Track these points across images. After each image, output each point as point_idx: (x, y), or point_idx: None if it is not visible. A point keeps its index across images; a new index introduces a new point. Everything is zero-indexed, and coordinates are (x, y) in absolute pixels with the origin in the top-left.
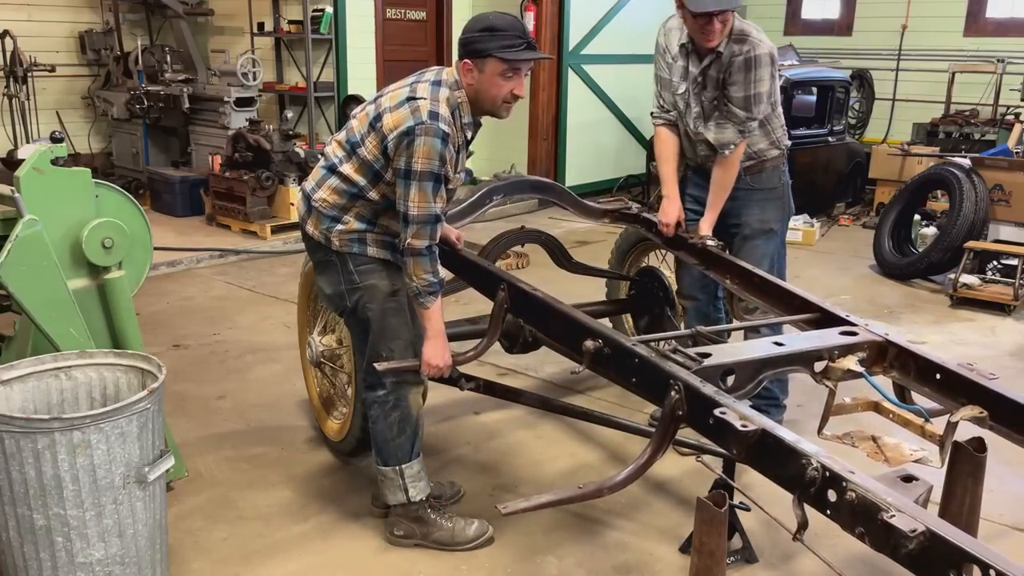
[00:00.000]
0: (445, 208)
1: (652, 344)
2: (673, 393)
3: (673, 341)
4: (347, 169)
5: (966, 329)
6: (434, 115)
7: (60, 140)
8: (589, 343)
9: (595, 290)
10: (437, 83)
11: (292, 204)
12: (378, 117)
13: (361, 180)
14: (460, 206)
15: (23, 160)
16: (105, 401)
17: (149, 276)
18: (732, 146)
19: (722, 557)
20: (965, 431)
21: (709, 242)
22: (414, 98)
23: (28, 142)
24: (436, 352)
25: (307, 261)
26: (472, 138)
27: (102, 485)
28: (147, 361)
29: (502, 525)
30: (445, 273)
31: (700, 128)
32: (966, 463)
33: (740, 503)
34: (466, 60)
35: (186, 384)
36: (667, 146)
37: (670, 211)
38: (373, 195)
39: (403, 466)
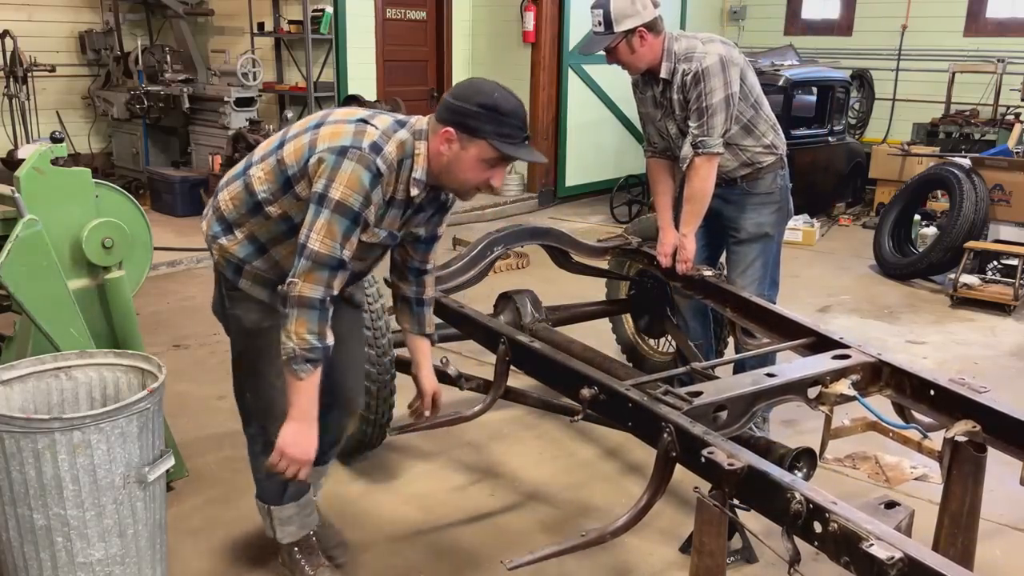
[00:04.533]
0: (351, 258)
1: (646, 386)
2: (665, 435)
3: (666, 383)
4: (257, 172)
5: (966, 329)
6: (376, 147)
7: (60, 140)
8: (585, 391)
9: (595, 290)
10: (401, 123)
11: None
12: (319, 124)
13: (265, 188)
14: (462, 261)
15: (23, 160)
16: (105, 401)
17: (149, 276)
18: (687, 160)
19: (722, 557)
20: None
21: (707, 272)
22: (366, 121)
23: (28, 142)
24: (298, 440)
25: None
26: (420, 201)
27: (102, 485)
28: (147, 361)
29: (504, 525)
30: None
31: (684, 147)
32: (966, 463)
33: (740, 503)
34: (449, 129)
35: (186, 384)
36: (657, 177)
37: (666, 242)
38: (273, 210)
39: (272, 507)
